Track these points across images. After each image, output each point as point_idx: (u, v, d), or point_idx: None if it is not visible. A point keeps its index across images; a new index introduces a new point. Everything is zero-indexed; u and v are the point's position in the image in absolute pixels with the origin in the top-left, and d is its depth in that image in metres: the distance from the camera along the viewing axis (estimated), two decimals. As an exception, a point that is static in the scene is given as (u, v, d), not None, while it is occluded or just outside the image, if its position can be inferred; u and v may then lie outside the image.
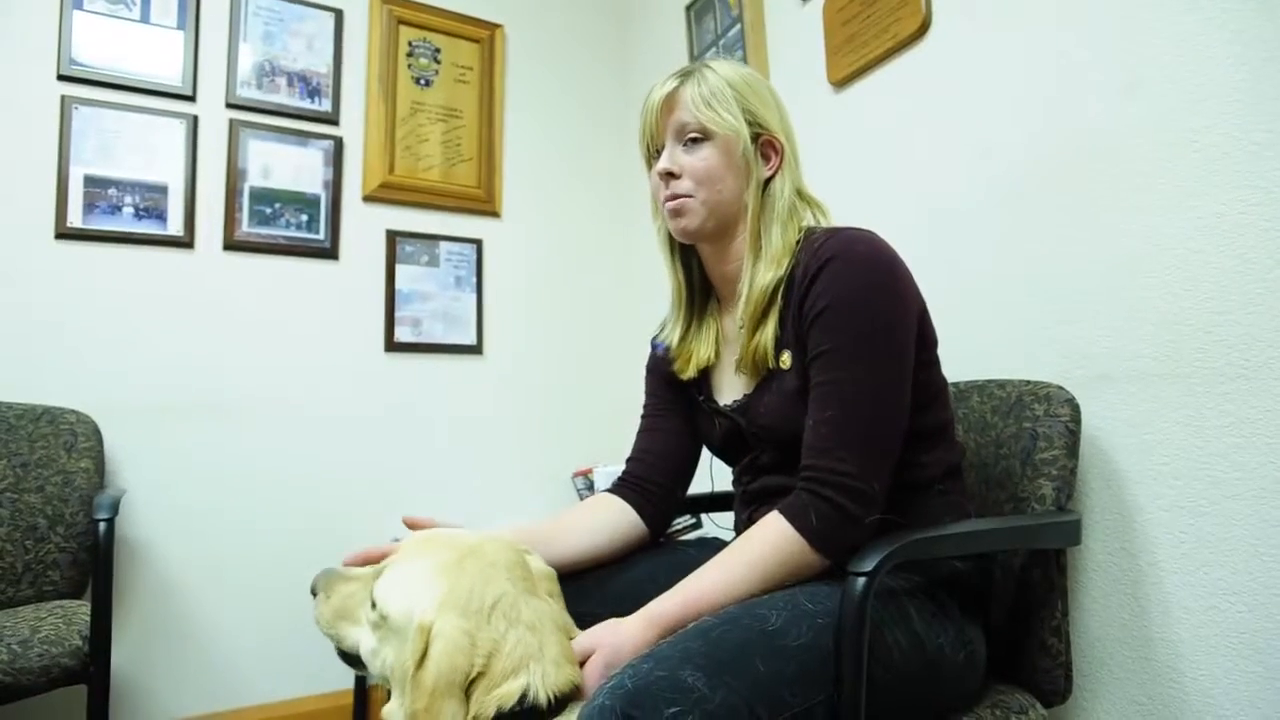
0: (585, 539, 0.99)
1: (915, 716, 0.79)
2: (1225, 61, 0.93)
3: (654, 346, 1.09)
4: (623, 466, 1.10)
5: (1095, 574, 1.06)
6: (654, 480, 1.05)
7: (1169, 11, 0.99)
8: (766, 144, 0.93)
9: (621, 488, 1.06)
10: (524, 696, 0.67)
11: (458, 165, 2.19)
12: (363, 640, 0.78)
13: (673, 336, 1.04)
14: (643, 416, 1.12)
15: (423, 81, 2.16)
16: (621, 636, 0.75)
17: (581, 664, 0.74)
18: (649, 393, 1.12)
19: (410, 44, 2.15)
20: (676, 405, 1.08)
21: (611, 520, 1.02)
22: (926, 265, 1.30)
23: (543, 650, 0.70)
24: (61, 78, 1.73)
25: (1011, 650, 0.95)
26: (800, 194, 0.95)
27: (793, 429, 0.86)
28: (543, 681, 0.68)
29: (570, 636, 0.77)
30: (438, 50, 2.18)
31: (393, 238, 2.09)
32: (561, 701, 0.68)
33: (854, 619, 0.69)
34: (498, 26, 2.27)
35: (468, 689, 0.67)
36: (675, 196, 0.93)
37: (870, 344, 0.82)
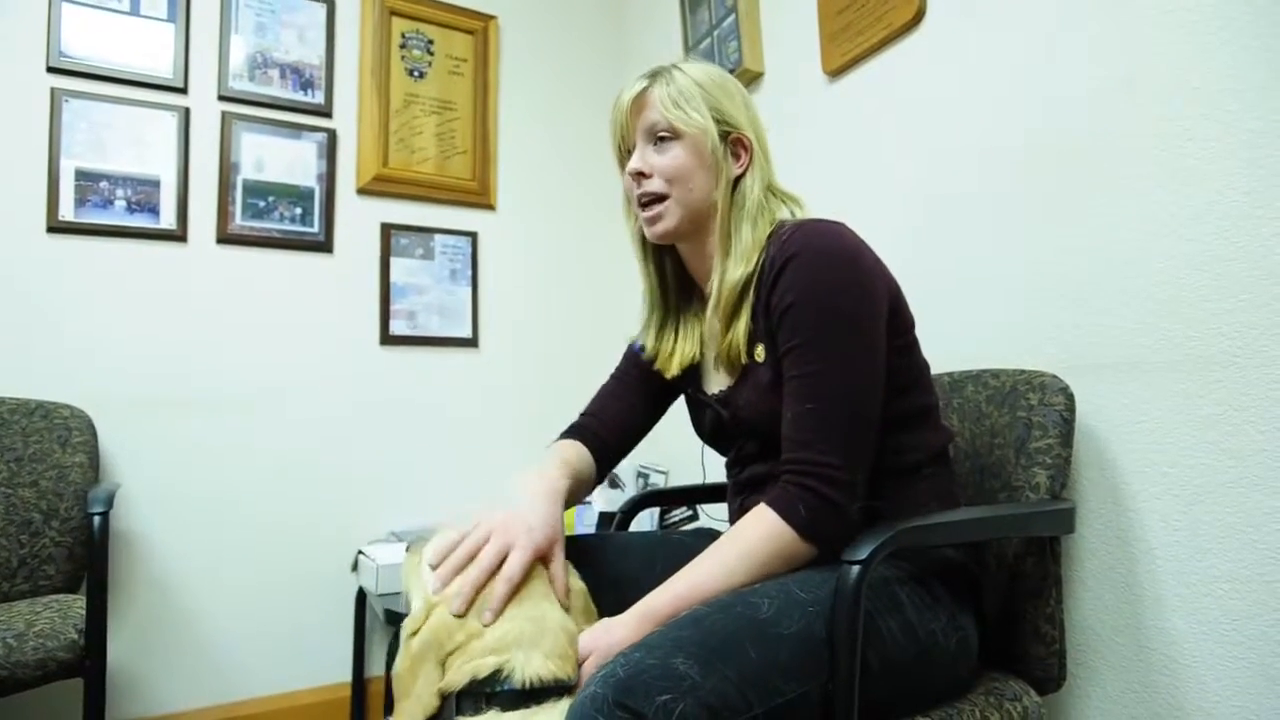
0: (581, 494, 1.03)
1: (908, 703, 0.79)
2: (1220, 50, 0.93)
3: (633, 347, 1.09)
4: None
5: (1089, 562, 1.06)
6: (608, 445, 1.07)
7: (1164, 1, 0.99)
8: (736, 142, 0.94)
9: (583, 437, 1.06)
10: (498, 672, 0.70)
11: (452, 158, 2.18)
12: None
13: (646, 337, 1.05)
14: (614, 377, 1.13)
15: (416, 73, 2.15)
16: (614, 637, 0.75)
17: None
18: (626, 356, 1.13)
19: (403, 35, 2.13)
20: (642, 381, 1.09)
21: (592, 477, 1.05)
22: (921, 255, 1.31)
23: (536, 642, 0.73)
24: (51, 70, 1.72)
25: (1006, 638, 0.95)
26: (772, 189, 0.96)
27: (771, 420, 0.86)
28: (524, 665, 0.71)
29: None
30: (431, 42, 2.17)
31: (387, 230, 2.08)
32: (539, 691, 0.70)
33: (848, 607, 0.69)
34: (491, 18, 2.26)
35: (445, 660, 0.72)
36: (648, 196, 0.94)
37: (838, 335, 0.82)
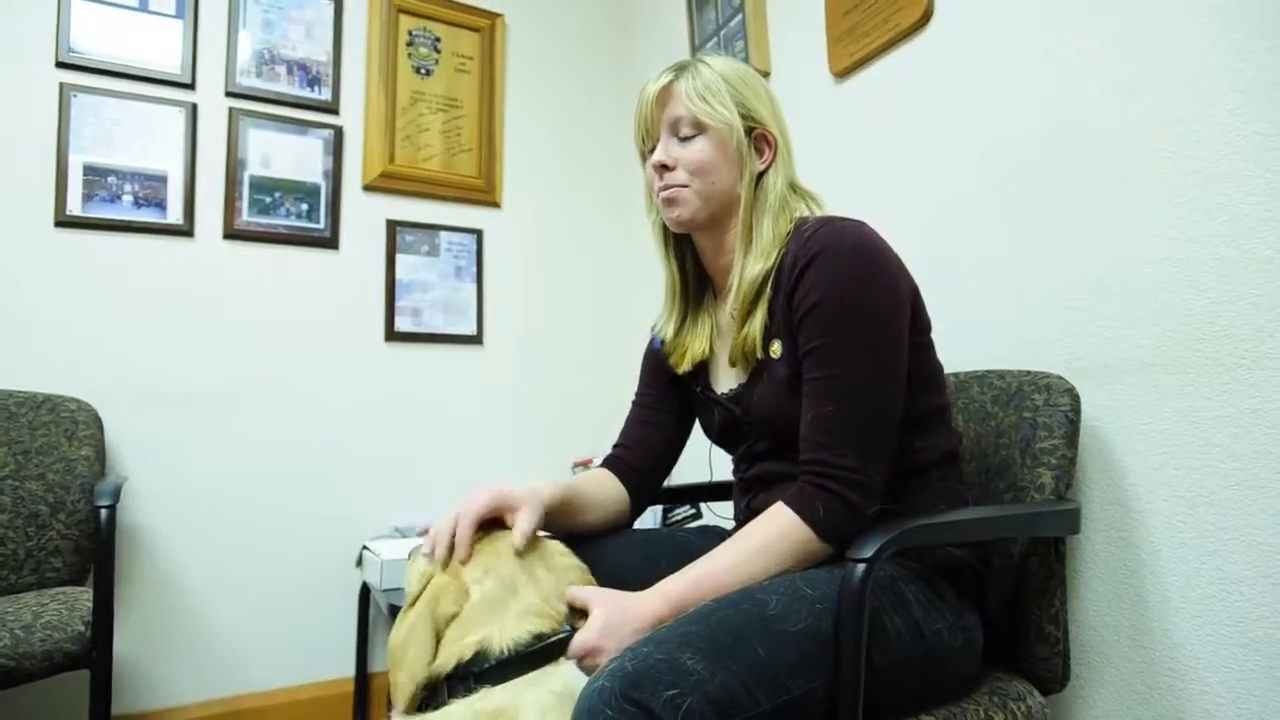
0: (601, 516, 1.03)
1: (913, 701, 0.79)
2: (1228, 53, 0.93)
3: (653, 342, 1.10)
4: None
5: (1094, 563, 1.06)
6: (643, 471, 1.07)
7: (1172, 3, 0.99)
8: (760, 137, 0.94)
9: (616, 469, 1.07)
10: (481, 652, 0.71)
11: (458, 155, 2.19)
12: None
13: (667, 330, 1.05)
14: (635, 403, 1.13)
15: (423, 71, 2.15)
16: (629, 601, 0.76)
17: (580, 617, 0.77)
18: (644, 380, 1.13)
19: (410, 33, 2.14)
20: (669, 398, 1.09)
21: (616, 500, 1.05)
22: (928, 256, 1.31)
23: (506, 603, 0.75)
24: (60, 65, 1.72)
25: (1010, 638, 0.96)
26: (793, 187, 0.96)
27: (786, 418, 0.87)
28: (500, 635, 0.72)
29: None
30: (438, 39, 2.17)
31: (393, 227, 2.09)
32: (522, 657, 0.71)
33: (853, 605, 0.70)
34: (498, 16, 2.26)
35: (442, 630, 0.74)
36: (669, 188, 0.94)
37: (863, 337, 0.82)
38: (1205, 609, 0.94)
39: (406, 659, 0.72)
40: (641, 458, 1.08)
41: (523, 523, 0.83)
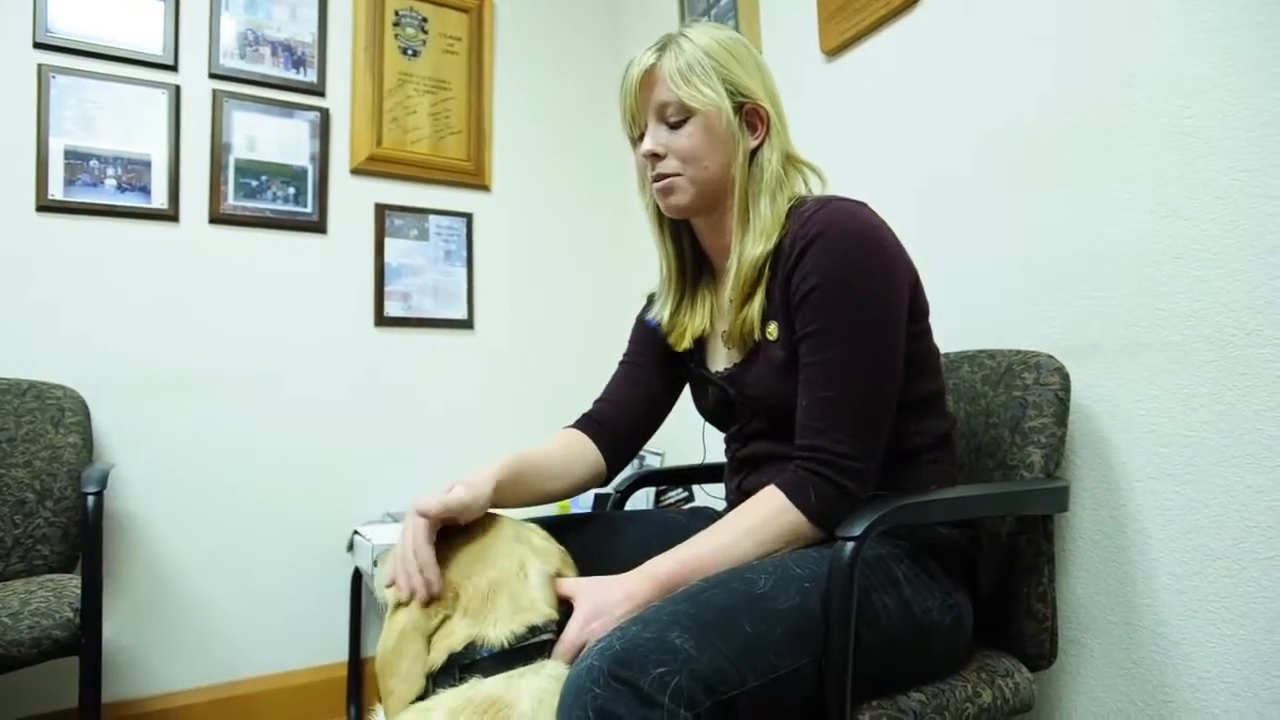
0: (567, 483, 0.99)
1: (902, 679, 0.80)
2: (1221, 27, 0.92)
3: (648, 322, 1.08)
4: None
5: (1082, 541, 1.06)
6: (621, 430, 1.05)
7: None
8: (751, 113, 0.91)
9: (590, 427, 1.05)
10: (473, 644, 0.70)
11: (446, 138, 2.17)
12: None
13: (663, 313, 1.03)
14: (623, 362, 1.11)
15: (410, 52, 2.12)
16: (613, 589, 0.75)
17: (565, 610, 0.76)
18: (633, 341, 1.11)
19: (397, 13, 2.10)
20: (656, 363, 1.08)
21: (584, 463, 1.01)
22: (918, 235, 1.29)
23: (499, 601, 0.74)
24: (38, 45, 1.69)
25: (999, 615, 0.96)
26: (790, 159, 0.94)
27: (781, 400, 0.86)
28: (495, 628, 0.71)
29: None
30: (424, 20, 2.14)
31: (381, 211, 2.07)
32: (517, 650, 0.70)
33: (842, 583, 0.70)
34: (486, -5, 2.23)
35: (430, 637, 0.73)
36: (663, 176, 0.92)
37: (860, 322, 0.81)
38: (1191, 585, 0.94)
39: (401, 668, 0.71)
40: (625, 418, 1.05)
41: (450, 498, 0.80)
